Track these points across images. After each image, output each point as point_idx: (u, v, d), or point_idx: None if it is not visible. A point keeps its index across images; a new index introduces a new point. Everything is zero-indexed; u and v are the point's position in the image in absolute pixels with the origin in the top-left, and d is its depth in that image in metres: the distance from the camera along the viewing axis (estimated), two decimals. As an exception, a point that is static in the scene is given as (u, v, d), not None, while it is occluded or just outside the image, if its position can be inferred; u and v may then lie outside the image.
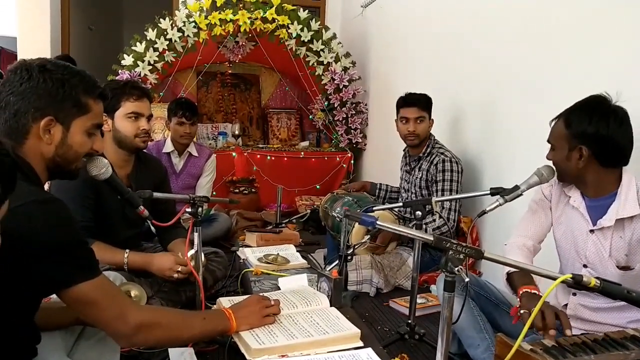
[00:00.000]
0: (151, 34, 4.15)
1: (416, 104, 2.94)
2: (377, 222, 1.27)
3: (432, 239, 1.18)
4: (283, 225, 3.49)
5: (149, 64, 4.18)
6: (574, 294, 1.62)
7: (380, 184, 3.41)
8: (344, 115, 4.72)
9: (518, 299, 1.47)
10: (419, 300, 2.25)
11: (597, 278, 1.11)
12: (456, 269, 1.13)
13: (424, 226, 2.41)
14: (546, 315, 1.32)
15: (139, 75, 4.15)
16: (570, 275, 1.09)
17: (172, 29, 4.18)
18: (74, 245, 1.11)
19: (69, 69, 1.23)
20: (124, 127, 2.14)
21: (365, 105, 4.80)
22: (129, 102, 2.13)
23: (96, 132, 1.31)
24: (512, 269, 1.55)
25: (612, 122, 1.52)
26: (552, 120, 1.66)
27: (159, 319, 1.25)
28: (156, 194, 1.85)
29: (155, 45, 4.17)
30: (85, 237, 2.00)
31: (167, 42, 4.19)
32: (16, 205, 0.92)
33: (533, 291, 1.45)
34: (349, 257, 2.05)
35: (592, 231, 1.59)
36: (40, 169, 1.21)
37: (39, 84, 1.17)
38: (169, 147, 3.42)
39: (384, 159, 4.31)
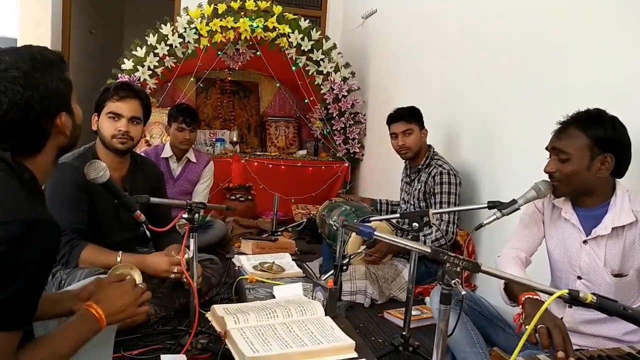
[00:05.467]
0: (152, 39, 4.16)
1: (400, 118, 2.97)
2: (375, 233, 1.27)
3: (429, 250, 1.17)
4: (279, 233, 3.49)
5: (149, 68, 4.19)
6: (570, 306, 1.63)
7: (380, 199, 3.40)
8: (342, 125, 4.73)
9: (520, 306, 1.46)
10: (413, 312, 2.24)
11: (594, 294, 1.11)
12: (453, 281, 1.13)
13: (421, 238, 2.41)
14: (554, 335, 1.29)
15: (139, 79, 4.15)
16: (567, 291, 1.09)
17: (172, 35, 4.19)
18: (16, 285, 0.99)
19: (34, 57, 1.12)
20: (103, 126, 2.14)
21: (364, 115, 4.82)
22: (111, 102, 2.13)
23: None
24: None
25: (626, 130, 1.55)
26: (560, 131, 1.62)
27: None
28: (153, 199, 1.85)
29: (156, 51, 4.18)
30: (77, 240, 2.01)
31: (168, 48, 4.20)
32: (3, 220, 0.89)
33: (535, 297, 1.44)
34: (344, 267, 2.04)
35: (585, 242, 1.61)
36: (47, 168, 1.18)
37: (36, 90, 1.09)
38: (167, 152, 3.42)
39: (381, 169, 4.32)
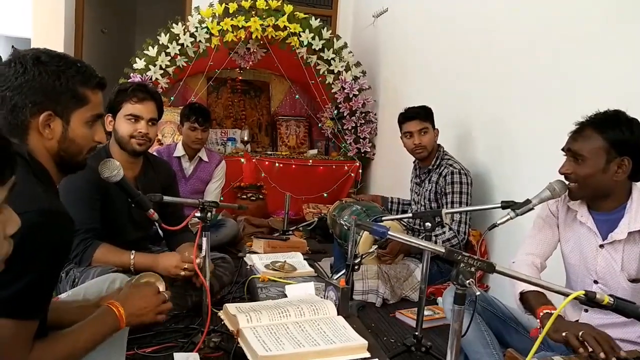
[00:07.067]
0: (163, 39, 4.18)
1: (416, 116, 2.94)
2: (389, 232, 1.26)
3: (443, 250, 1.17)
4: (290, 232, 3.49)
5: (161, 68, 4.21)
6: (586, 310, 1.61)
7: (392, 197, 3.39)
8: (353, 125, 4.72)
9: (538, 320, 1.45)
10: (425, 313, 2.23)
11: (611, 296, 1.09)
12: (467, 282, 1.12)
13: (433, 238, 2.40)
14: (590, 342, 1.27)
15: (151, 79, 4.18)
16: (583, 292, 1.08)
17: (184, 34, 4.21)
18: (31, 275, 1.00)
19: (64, 60, 1.19)
20: (121, 128, 2.15)
21: (375, 114, 4.80)
22: (129, 104, 2.14)
23: (97, 123, 1.27)
24: (526, 289, 1.54)
25: None
26: (576, 132, 1.59)
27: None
28: (166, 198, 1.86)
29: (167, 50, 4.20)
30: (91, 239, 2.02)
31: (179, 47, 4.22)
32: (20, 211, 0.86)
33: (553, 311, 1.42)
34: (356, 267, 2.04)
35: (602, 246, 1.58)
36: (50, 167, 1.19)
37: (34, 77, 1.14)
38: (179, 151, 3.44)
39: (392, 168, 4.31)
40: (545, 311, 1.44)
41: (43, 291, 1.06)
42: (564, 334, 1.31)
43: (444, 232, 2.75)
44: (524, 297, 1.57)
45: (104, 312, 1.24)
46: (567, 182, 1.62)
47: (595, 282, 1.60)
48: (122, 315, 1.25)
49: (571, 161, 1.59)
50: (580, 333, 1.28)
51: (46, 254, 1.02)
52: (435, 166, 2.97)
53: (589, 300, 1.09)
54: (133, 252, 2.09)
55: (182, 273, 2.07)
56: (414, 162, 3.18)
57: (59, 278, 2.02)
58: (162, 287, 1.48)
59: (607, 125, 1.52)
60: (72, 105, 1.19)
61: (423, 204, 3.03)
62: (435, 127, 2.98)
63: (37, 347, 1.05)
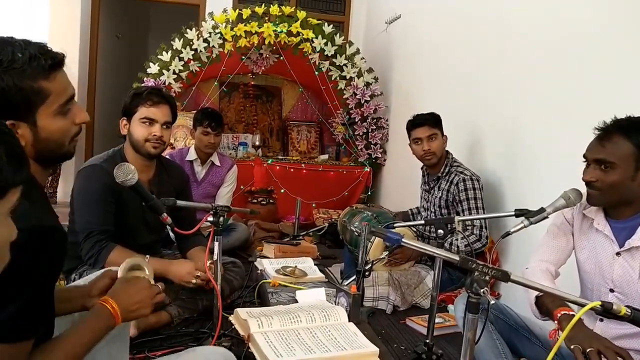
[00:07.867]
0: (177, 44, 4.22)
1: (425, 123, 2.94)
2: (403, 240, 1.26)
3: (457, 258, 1.16)
4: (300, 237, 3.49)
5: (174, 72, 4.25)
6: (601, 320, 1.59)
7: (411, 209, 3.39)
8: (365, 130, 4.72)
9: (556, 322, 1.43)
10: (436, 320, 2.22)
11: (628, 306, 1.08)
12: (482, 290, 1.11)
13: (454, 242, 2.39)
14: (609, 357, 1.24)
15: (164, 83, 4.21)
16: (600, 303, 1.07)
17: (197, 40, 4.24)
18: (24, 297, 0.94)
19: (3, 54, 0.99)
20: (136, 131, 2.16)
21: (386, 120, 4.80)
22: (144, 108, 2.16)
23: (71, 106, 1.10)
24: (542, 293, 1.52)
25: None
26: (601, 138, 1.54)
27: None
28: (179, 202, 1.87)
29: (181, 55, 4.24)
30: (106, 242, 2.03)
31: (193, 52, 4.25)
32: None
33: (571, 313, 1.40)
34: (366, 273, 2.03)
35: (618, 254, 1.56)
36: (32, 167, 1.06)
37: None
38: (192, 155, 3.46)
39: (403, 175, 4.30)
40: (563, 312, 1.41)
41: (38, 311, 1.00)
42: (572, 346, 1.29)
43: (464, 238, 2.71)
44: (539, 300, 1.56)
45: (98, 312, 1.17)
46: (589, 189, 1.58)
47: (612, 290, 1.58)
48: (117, 312, 1.18)
49: (596, 168, 1.55)
50: (588, 350, 1.25)
51: (38, 273, 0.96)
52: (444, 173, 2.96)
53: (606, 311, 1.08)
54: (147, 256, 2.10)
55: (194, 281, 2.07)
56: (421, 168, 3.16)
57: (73, 280, 2.04)
58: (150, 277, 1.44)
59: (634, 130, 1.49)
60: (31, 104, 1.03)
61: (432, 210, 3.02)
62: (444, 133, 2.98)
63: None
